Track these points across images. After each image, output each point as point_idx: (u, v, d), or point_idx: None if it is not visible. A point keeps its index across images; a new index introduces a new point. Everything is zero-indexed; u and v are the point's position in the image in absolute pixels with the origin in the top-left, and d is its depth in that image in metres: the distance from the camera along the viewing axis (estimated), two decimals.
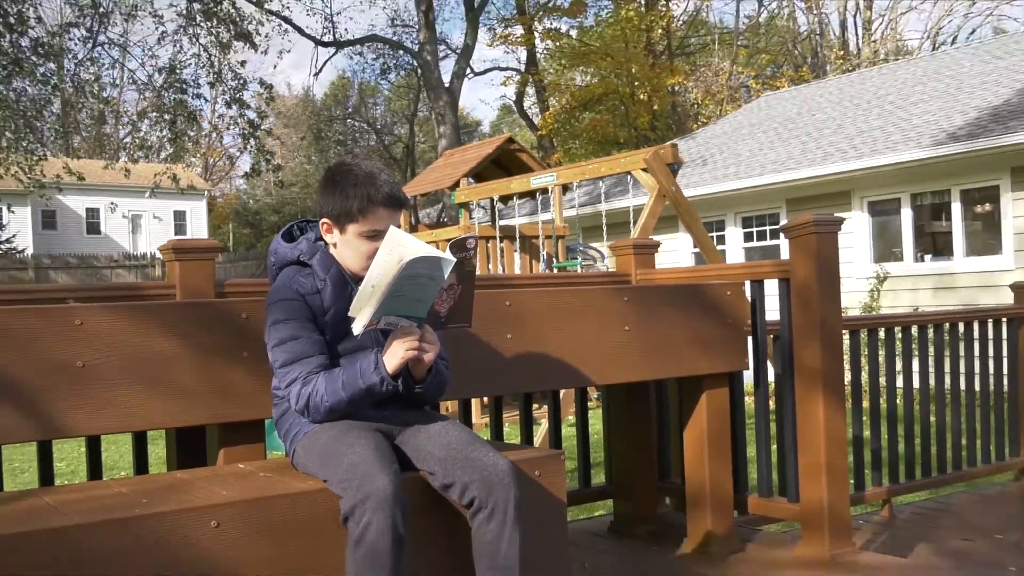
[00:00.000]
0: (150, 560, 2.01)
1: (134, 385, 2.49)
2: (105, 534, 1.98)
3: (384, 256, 2.21)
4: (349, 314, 2.32)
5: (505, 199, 13.12)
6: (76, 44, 16.68)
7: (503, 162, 13.77)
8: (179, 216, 42.51)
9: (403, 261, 2.18)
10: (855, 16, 29.89)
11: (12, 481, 7.56)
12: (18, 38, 13.48)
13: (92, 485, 2.53)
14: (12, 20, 13.15)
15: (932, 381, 4.48)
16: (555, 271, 10.53)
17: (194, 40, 15.70)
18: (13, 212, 29.80)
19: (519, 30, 31.31)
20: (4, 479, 2.78)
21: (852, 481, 4.00)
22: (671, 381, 3.82)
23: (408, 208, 14.34)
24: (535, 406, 5.47)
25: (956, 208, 11.28)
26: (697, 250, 10.63)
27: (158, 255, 3.30)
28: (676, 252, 13.61)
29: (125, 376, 2.49)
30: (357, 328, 2.28)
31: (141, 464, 2.97)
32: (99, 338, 2.47)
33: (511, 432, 6.53)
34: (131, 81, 24.63)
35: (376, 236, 2.35)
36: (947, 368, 4.55)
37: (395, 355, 2.29)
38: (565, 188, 12.19)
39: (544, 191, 11.74)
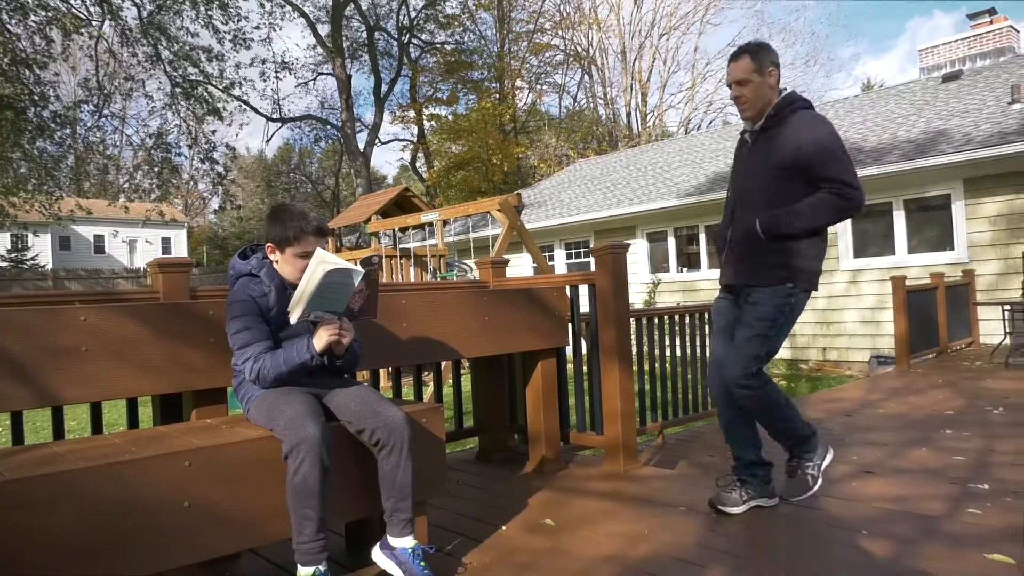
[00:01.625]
0: (136, 493, 1.88)
1: (125, 364, 2.33)
2: (101, 474, 1.84)
3: (312, 268, 2.16)
4: (288, 310, 2.26)
5: (403, 230, 12.97)
6: (85, 115, 15.66)
7: (402, 204, 13.62)
8: (165, 241, 40.46)
9: (325, 271, 2.13)
10: (636, 111, 30.90)
11: (33, 436, 7.03)
12: (41, 111, 12.60)
13: (94, 438, 2.34)
14: (36, 98, 12.30)
15: (688, 350, 4.64)
16: (438, 279, 10.45)
17: (176, 114, 14.95)
18: (38, 236, 27.81)
19: (412, 113, 31.07)
20: (26, 436, 2.56)
21: (638, 419, 4.10)
22: (517, 354, 3.83)
23: (332, 236, 14.01)
24: (424, 373, 5.40)
25: (702, 237, 11.75)
26: (535, 264, 10.75)
27: (147, 269, 3.10)
28: (521, 266, 13.74)
29: (119, 358, 2.33)
30: (293, 319, 2.24)
31: (133, 422, 2.77)
32: (99, 330, 2.30)
33: (408, 392, 6.42)
34: (128, 143, 23.33)
35: (307, 256, 2.29)
36: (697, 342, 4.72)
37: (321, 339, 2.23)
38: (445, 222, 12.14)
39: (430, 225, 11.66)
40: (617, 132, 30.74)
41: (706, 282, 11.50)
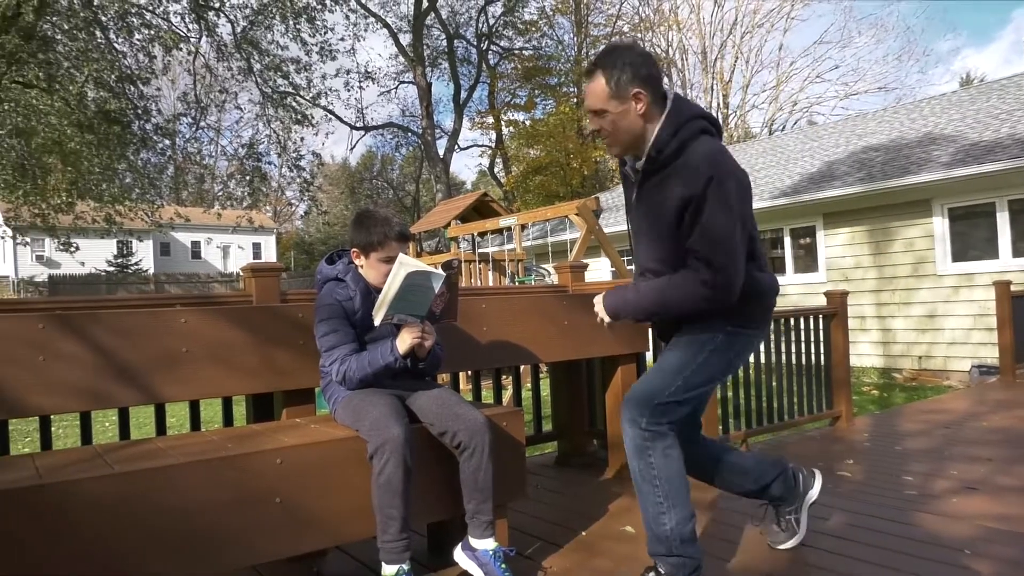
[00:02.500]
0: (232, 488, 1.96)
1: (221, 364, 2.44)
2: (201, 469, 1.93)
3: (394, 271, 2.21)
4: (372, 313, 2.31)
5: (482, 234, 13.12)
6: (184, 128, 16.57)
7: (480, 209, 13.76)
8: (256, 246, 42.20)
9: (407, 273, 2.18)
10: (717, 112, 30.24)
11: (137, 432, 7.41)
12: (144, 123, 13.38)
13: (192, 435, 2.46)
14: (140, 111, 13.08)
15: (773, 358, 4.51)
16: (517, 284, 10.50)
17: (267, 124, 15.60)
18: (141, 242, 29.55)
19: (491, 119, 31.38)
20: (132, 431, 2.71)
21: (720, 426, 4.01)
22: (596, 359, 3.80)
23: (413, 240, 14.29)
24: (503, 377, 5.44)
25: (787, 241, 11.39)
26: (613, 269, 10.66)
27: (240, 274, 3.26)
28: (600, 270, 13.64)
29: (216, 359, 2.44)
30: (377, 322, 2.29)
31: (228, 420, 2.90)
32: (197, 332, 2.41)
33: (487, 395, 6.49)
34: (223, 153, 24.56)
35: (390, 260, 2.35)
36: (783, 349, 4.58)
37: (404, 342, 2.28)
38: (523, 227, 12.20)
39: (509, 229, 11.76)
40: None
41: (792, 287, 11.14)
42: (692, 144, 2.02)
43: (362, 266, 2.47)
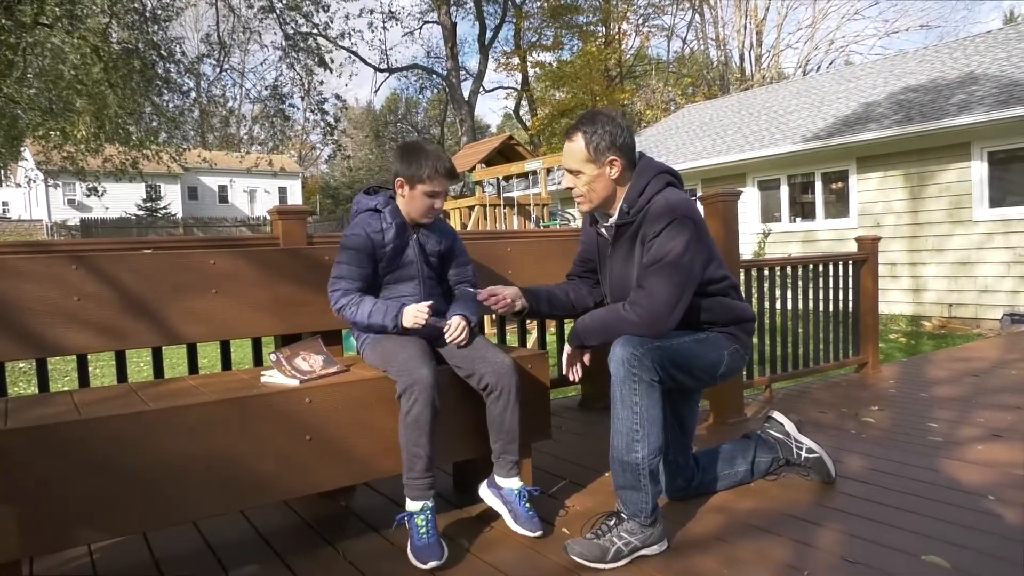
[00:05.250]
0: (263, 425, 2.01)
1: (250, 306, 2.48)
2: (232, 406, 1.97)
3: None
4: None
5: (507, 178, 13.01)
6: (208, 70, 16.46)
7: (505, 153, 13.65)
8: (282, 190, 42.40)
9: None
10: (750, 51, 29.34)
11: (170, 372, 7.59)
12: (167, 64, 13.32)
13: (224, 374, 2.51)
14: (164, 53, 13.01)
15: (800, 304, 4.46)
16: (542, 228, 10.45)
17: (291, 67, 15.43)
18: (169, 184, 29.77)
19: (516, 60, 30.77)
20: (165, 371, 2.78)
21: (744, 372, 4.00)
22: None
23: (459, 181, 14.22)
24: (527, 321, 5.45)
25: (818, 185, 11.15)
26: None
27: (267, 217, 3.26)
28: None
29: (244, 300, 2.47)
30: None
31: (258, 360, 2.95)
32: (226, 273, 2.44)
33: (511, 338, 6.52)
34: (247, 96, 24.45)
35: (435, 196, 2.35)
36: (811, 295, 4.53)
37: (409, 318, 2.27)
38: (548, 171, 12.08)
39: (534, 173, 11.66)
40: (729, 75, 29.32)
41: (823, 232, 10.96)
42: (658, 196, 2.18)
43: (404, 196, 2.38)
